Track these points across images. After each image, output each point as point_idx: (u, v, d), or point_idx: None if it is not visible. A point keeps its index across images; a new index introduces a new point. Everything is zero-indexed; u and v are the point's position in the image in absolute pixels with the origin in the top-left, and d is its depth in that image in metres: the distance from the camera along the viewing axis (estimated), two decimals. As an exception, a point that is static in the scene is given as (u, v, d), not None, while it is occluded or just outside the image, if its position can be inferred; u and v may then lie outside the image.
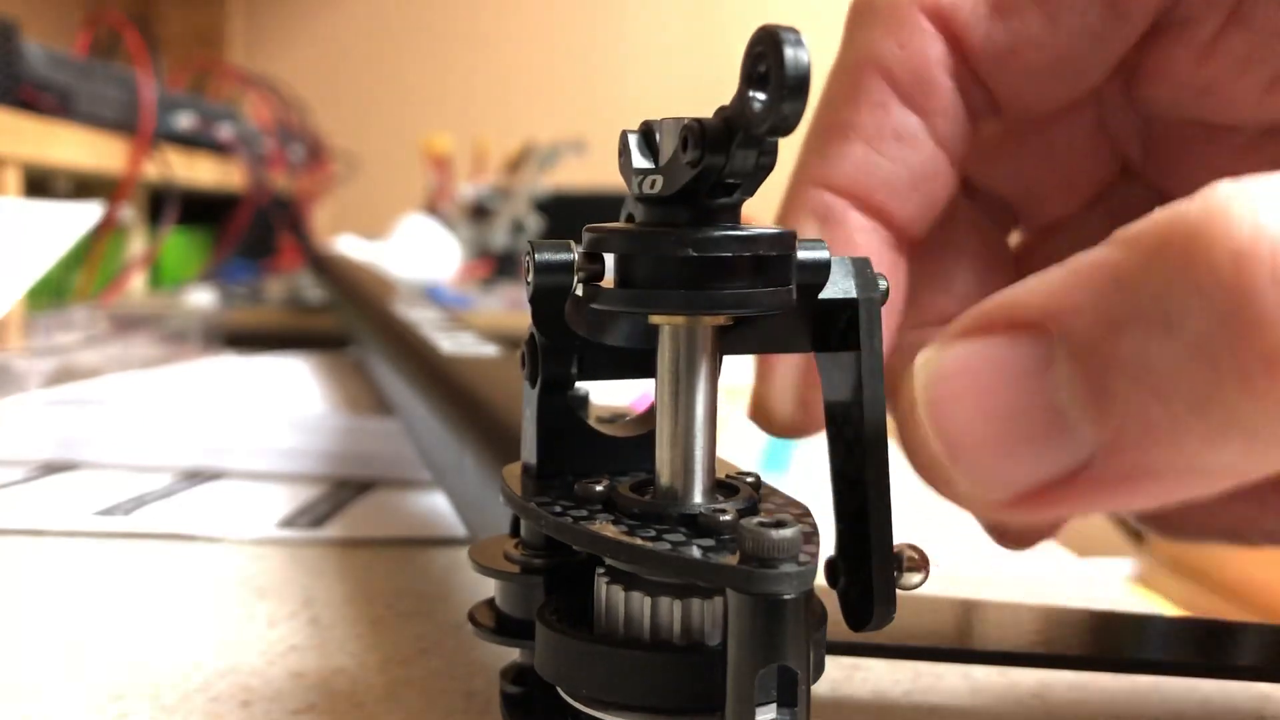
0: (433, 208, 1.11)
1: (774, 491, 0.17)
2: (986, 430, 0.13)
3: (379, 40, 1.69)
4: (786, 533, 0.13)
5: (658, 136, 0.16)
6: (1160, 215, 0.12)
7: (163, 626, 0.25)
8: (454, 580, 0.28)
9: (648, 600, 0.15)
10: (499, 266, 1.02)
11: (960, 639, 0.22)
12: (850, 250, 0.20)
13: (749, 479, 0.17)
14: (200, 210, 1.03)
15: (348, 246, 1.01)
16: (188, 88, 1.17)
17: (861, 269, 0.17)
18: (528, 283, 0.17)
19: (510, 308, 0.83)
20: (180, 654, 0.23)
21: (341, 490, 0.37)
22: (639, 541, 0.15)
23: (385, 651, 0.23)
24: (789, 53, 0.13)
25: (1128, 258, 0.12)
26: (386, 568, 0.29)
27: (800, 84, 0.13)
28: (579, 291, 0.16)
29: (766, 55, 0.13)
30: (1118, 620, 0.23)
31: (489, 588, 0.18)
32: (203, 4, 1.58)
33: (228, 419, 0.42)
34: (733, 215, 0.15)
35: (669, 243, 0.15)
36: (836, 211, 0.21)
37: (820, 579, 0.16)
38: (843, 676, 0.22)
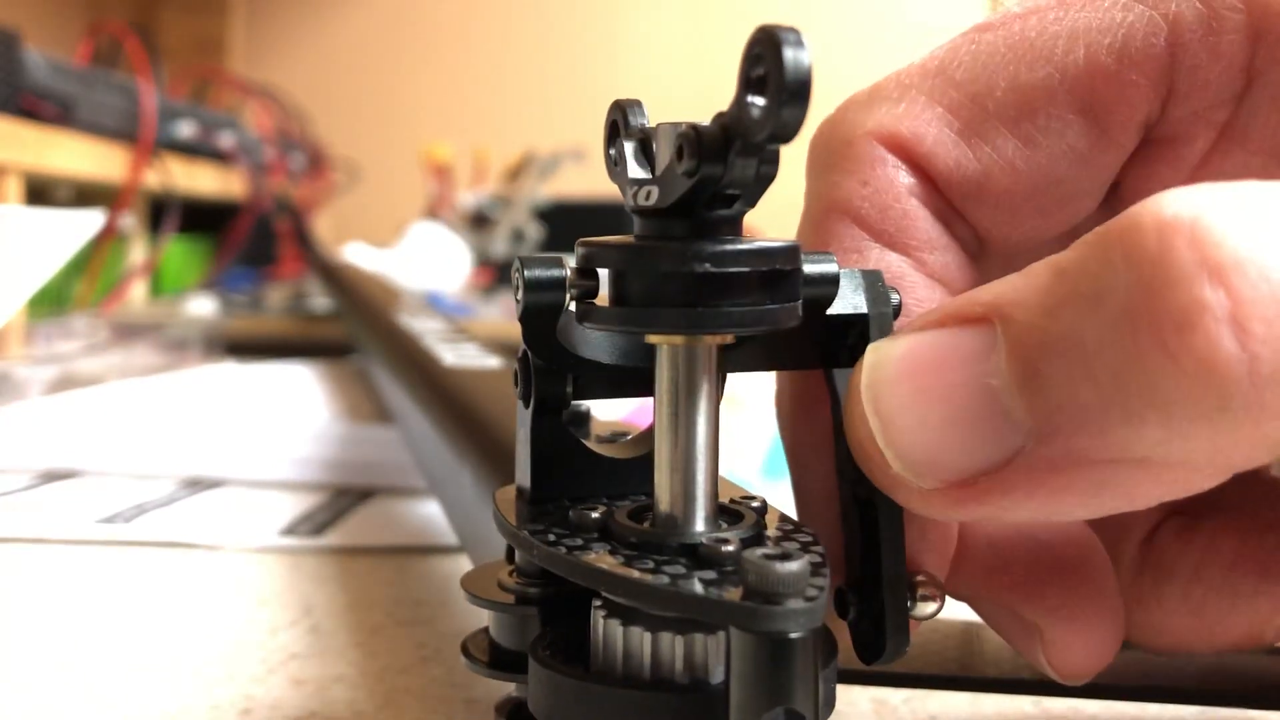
0: (433, 216, 1.11)
1: (780, 516, 0.16)
2: (921, 412, 0.14)
3: (380, 49, 1.70)
4: (792, 566, 0.12)
5: (654, 144, 0.15)
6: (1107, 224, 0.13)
7: (163, 634, 0.25)
8: (453, 588, 0.28)
9: (648, 636, 0.14)
10: (500, 275, 1.03)
11: (963, 665, 0.22)
12: None
13: (754, 504, 0.16)
14: (201, 219, 1.03)
15: (356, 255, 1.01)
16: (189, 96, 1.17)
17: (873, 283, 0.16)
18: (517, 300, 0.16)
19: (511, 317, 0.83)
20: (180, 661, 0.23)
21: (341, 498, 0.37)
22: (636, 575, 0.14)
23: (385, 659, 0.23)
24: (789, 54, 0.12)
25: (1071, 252, 0.13)
26: (387, 576, 0.29)
27: (801, 88, 0.12)
28: (572, 309, 0.16)
29: (764, 57, 0.12)
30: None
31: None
32: (204, 13, 1.59)
33: (228, 427, 0.42)
34: (733, 228, 0.14)
35: (669, 257, 0.14)
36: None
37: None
38: (843, 685, 0.22)
